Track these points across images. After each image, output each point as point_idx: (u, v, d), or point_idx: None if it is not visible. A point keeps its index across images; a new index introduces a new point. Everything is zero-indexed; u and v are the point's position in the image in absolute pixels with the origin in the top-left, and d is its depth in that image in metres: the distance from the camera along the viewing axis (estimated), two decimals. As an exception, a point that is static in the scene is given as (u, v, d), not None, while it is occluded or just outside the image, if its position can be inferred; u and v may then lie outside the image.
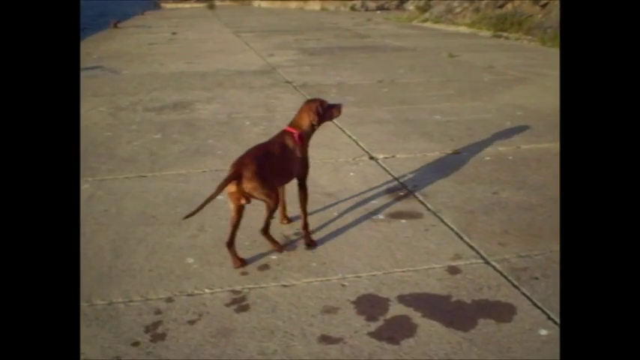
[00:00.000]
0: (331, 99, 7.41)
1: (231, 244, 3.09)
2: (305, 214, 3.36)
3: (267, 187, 3.07)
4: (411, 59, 10.84)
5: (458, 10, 18.74)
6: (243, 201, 3.06)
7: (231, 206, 3.08)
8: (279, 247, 3.24)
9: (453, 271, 3.04)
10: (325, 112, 3.49)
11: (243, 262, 3.11)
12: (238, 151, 5.41)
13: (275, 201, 3.12)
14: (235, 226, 3.10)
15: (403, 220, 3.67)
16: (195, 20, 22.60)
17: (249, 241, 3.36)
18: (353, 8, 26.89)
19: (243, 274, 3.05)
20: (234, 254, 3.10)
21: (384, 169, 4.66)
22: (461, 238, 3.42)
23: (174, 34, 16.54)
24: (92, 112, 6.76)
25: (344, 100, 7.15)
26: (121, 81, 8.86)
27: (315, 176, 4.36)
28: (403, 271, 3.04)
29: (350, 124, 6.02)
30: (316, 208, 3.86)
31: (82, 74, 9.53)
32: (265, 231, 3.15)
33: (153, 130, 5.93)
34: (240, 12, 27.59)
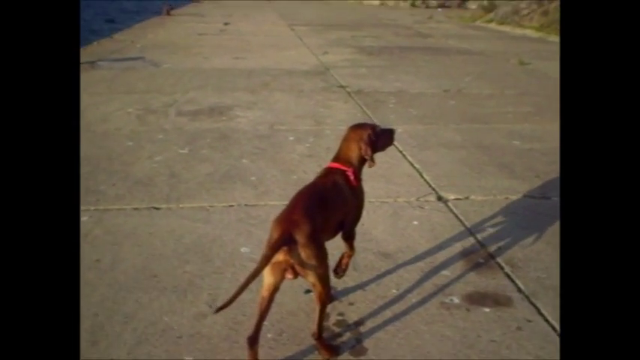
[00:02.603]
0: (390, 111, 6.48)
1: (255, 340, 2.17)
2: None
3: (323, 257, 2.17)
4: (478, 65, 9.73)
5: (525, 11, 17.38)
6: (289, 276, 2.15)
7: (267, 282, 2.16)
8: (335, 353, 2.31)
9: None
10: (377, 141, 2.56)
11: (263, 374, 2.19)
12: (276, 178, 4.47)
13: (328, 280, 2.20)
14: (264, 314, 2.19)
15: (486, 309, 2.68)
16: (251, 10, 21.83)
17: (274, 334, 2.44)
18: (413, 5, 25.73)
19: (260, 393, 2.14)
20: (253, 357, 2.17)
21: (457, 216, 3.67)
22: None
23: (226, 24, 15.78)
24: (118, 114, 5.96)
25: (406, 113, 6.18)
26: (159, 76, 8.07)
27: (368, 224, 3.41)
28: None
29: (412, 147, 5.03)
30: (369, 277, 2.92)
31: (121, 65, 8.82)
32: (319, 334, 2.24)
33: (181, 141, 5.07)
34: (297, 3, 26.68)
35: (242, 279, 2.84)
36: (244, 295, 2.71)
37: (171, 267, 2.96)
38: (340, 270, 2.69)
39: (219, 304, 2.60)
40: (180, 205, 3.73)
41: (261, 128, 5.57)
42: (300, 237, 2.07)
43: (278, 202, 3.82)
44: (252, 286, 2.78)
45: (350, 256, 2.66)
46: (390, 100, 6.91)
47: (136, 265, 2.97)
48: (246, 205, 3.77)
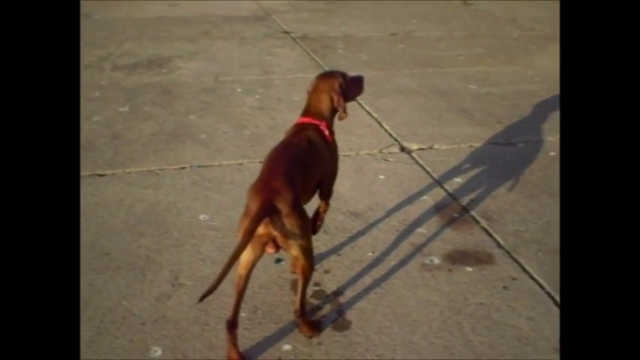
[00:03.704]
0: (339, 56, 6.20)
1: (234, 324, 1.95)
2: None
3: (307, 226, 1.96)
4: (422, 6, 9.46)
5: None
6: (271, 250, 1.91)
7: (246, 259, 1.90)
8: (317, 330, 2.12)
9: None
10: (348, 90, 2.33)
11: (240, 359, 1.97)
12: (228, 134, 4.19)
13: (312, 251, 1.99)
14: (242, 294, 1.95)
15: (469, 269, 2.54)
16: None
17: (248, 312, 2.22)
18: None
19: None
20: (233, 343, 1.95)
21: (423, 168, 3.50)
22: (557, 303, 2.31)
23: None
24: (46, 70, 5.45)
25: (356, 59, 5.93)
26: (90, 28, 7.45)
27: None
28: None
29: (367, 95, 4.77)
30: (341, 240, 2.73)
31: (44, 16, 8.13)
32: (302, 311, 2.03)
33: (120, 98, 4.68)
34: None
35: (204, 251, 2.63)
36: (208, 269, 2.50)
37: (124, 242, 2.68)
38: (317, 226, 2.46)
39: (182, 281, 2.37)
40: (127, 170, 3.41)
41: (206, 80, 5.21)
42: (283, 206, 1.83)
43: (233, 161, 3.56)
44: (217, 258, 2.56)
45: (325, 211, 2.44)
46: (337, 45, 6.62)
47: (84, 242, 2.67)
48: (199, 166, 3.48)
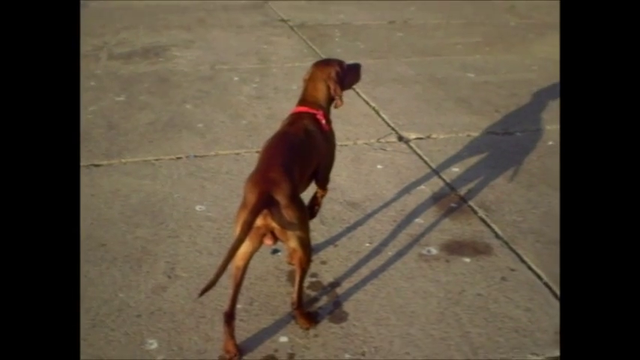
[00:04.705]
0: (337, 45, 6.15)
1: (232, 316, 1.94)
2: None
3: (305, 218, 1.96)
4: (421, -7, 9.41)
5: None
6: (269, 242, 1.90)
7: (244, 250, 1.87)
8: (314, 322, 2.11)
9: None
10: (345, 78, 2.31)
11: (237, 352, 1.96)
12: (225, 124, 4.11)
13: (310, 243, 1.98)
14: (239, 286, 1.94)
15: (467, 260, 2.53)
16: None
17: (244, 304, 2.21)
18: None
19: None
20: (230, 334, 1.94)
21: (421, 157, 3.48)
22: (555, 294, 2.30)
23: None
24: (41, 59, 5.41)
25: (354, 47, 5.90)
26: (85, 16, 7.37)
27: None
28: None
29: (365, 84, 4.74)
30: (338, 231, 2.71)
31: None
32: (299, 303, 2.02)
33: (116, 88, 4.64)
34: None
35: (201, 242, 2.61)
36: (204, 260, 2.48)
37: (120, 233, 2.67)
38: (315, 210, 2.44)
39: (178, 273, 2.36)
40: (123, 161, 3.39)
41: (202, 69, 5.17)
42: (282, 197, 1.82)
43: (230, 150, 3.54)
44: (214, 249, 2.55)
45: (323, 195, 2.43)
46: (335, 33, 6.57)
47: (80, 233, 2.65)
48: (195, 156, 3.46)
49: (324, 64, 2.37)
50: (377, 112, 4.19)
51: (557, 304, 2.25)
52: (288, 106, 3.36)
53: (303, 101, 2.30)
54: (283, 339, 2.05)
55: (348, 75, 2.39)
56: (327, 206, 2.85)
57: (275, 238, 1.88)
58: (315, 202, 2.42)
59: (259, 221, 1.81)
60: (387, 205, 2.96)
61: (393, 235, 2.69)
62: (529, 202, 3.00)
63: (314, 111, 2.25)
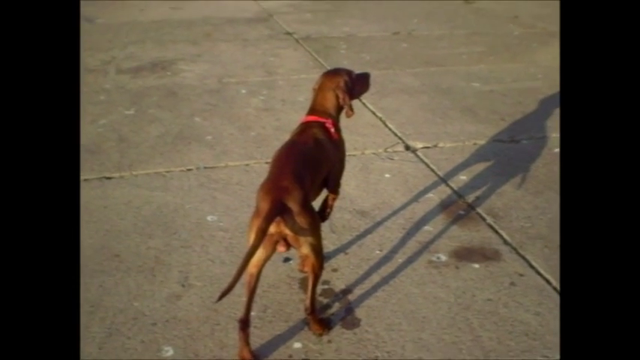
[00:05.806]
0: (342, 57, 6.21)
1: (246, 322, 1.97)
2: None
3: (317, 224, 2.00)
4: (423, 5, 9.47)
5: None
6: (282, 248, 1.95)
7: (258, 257, 1.91)
8: (327, 328, 2.14)
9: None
10: (354, 87, 2.35)
11: (253, 358, 1.99)
12: (234, 136, 4.15)
13: (322, 249, 2.01)
14: (253, 293, 1.98)
15: (476, 265, 2.56)
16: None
17: (258, 311, 2.24)
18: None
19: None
20: (245, 341, 1.97)
21: (428, 166, 3.52)
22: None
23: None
24: (51, 75, 5.48)
25: (359, 59, 5.95)
26: (93, 32, 7.49)
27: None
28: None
29: (371, 94, 4.76)
30: (349, 239, 2.75)
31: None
32: (312, 309, 2.05)
33: (125, 101, 4.70)
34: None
35: (213, 251, 2.65)
36: (217, 269, 2.52)
37: (133, 244, 2.71)
38: (327, 214, 2.47)
39: (192, 281, 2.39)
40: (134, 173, 3.44)
41: (210, 82, 5.24)
42: (294, 205, 1.86)
43: (239, 162, 3.58)
44: (226, 258, 2.58)
45: (334, 199, 2.45)
46: (340, 45, 6.64)
47: (94, 244, 2.70)
48: (205, 167, 3.51)
49: (333, 73, 2.41)
50: (384, 123, 4.24)
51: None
52: (295, 117, 3.42)
53: (312, 110, 2.34)
54: (297, 345, 2.08)
55: (357, 84, 2.43)
56: (337, 215, 2.89)
57: (288, 245, 1.92)
58: (327, 205, 2.45)
59: (272, 228, 1.84)
60: (396, 213, 2.99)
61: (403, 242, 2.72)
62: (536, 208, 3.03)
63: (323, 120, 2.29)
